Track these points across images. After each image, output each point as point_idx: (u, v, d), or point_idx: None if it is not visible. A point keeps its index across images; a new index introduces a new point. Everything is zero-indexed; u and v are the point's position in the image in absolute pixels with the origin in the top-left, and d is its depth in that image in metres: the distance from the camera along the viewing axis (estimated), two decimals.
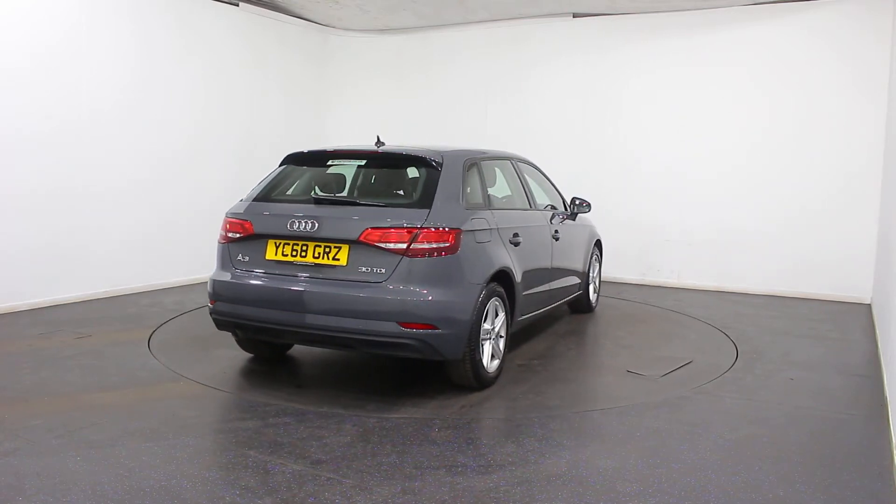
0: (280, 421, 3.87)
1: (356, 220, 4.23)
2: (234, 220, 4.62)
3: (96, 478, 3.12)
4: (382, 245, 4.12)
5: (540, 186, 6.18)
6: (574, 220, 6.38)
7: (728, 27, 8.28)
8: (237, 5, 8.55)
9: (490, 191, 5.13)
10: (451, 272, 4.20)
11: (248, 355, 5.20)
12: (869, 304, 7.67)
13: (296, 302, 4.22)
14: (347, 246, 4.21)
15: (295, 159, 5.00)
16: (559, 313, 6.87)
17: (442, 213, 4.27)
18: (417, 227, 4.13)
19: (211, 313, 4.67)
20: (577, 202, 6.38)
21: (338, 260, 4.23)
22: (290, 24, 9.43)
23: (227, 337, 5.51)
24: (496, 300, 4.56)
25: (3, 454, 3.35)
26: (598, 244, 7.20)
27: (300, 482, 3.12)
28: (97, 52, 6.96)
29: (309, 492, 3.03)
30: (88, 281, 7.05)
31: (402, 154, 4.74)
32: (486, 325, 4.47)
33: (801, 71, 7.96)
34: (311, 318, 4.20)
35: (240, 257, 4.56)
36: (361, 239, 4.15)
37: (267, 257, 4.44)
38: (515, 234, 4.93)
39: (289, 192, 4.82)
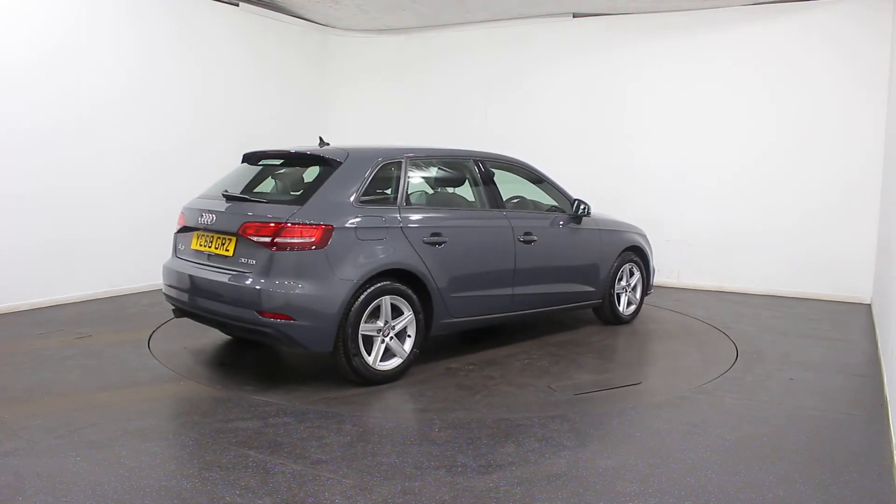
0: (280, 421, 3.87)
1: (239, 215, 4.53)
2: (181, 213, 5.11)
3: (96, 478, 3.12)
4: (255, 238, 4.36)
5: (540, 188, 6.10)
6: (579, 223, 6.04)
7: (728, 27, 8.28)
8: (237, 5, 8.55)
9: (419, 189, 5.26)
10: (315, 267, 4.30)
11: (247, 355, 5.24)
12: (869, 304, 7.67)
13: (199, 287, 4.65)
14: (234, 238, 4.51)
15: (246, 159, 5.33)
16: (578, 320, 6.62)
17: (316, 209, 4.41)
18: (282, 223, 4.31)
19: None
20: (580, 205, 6.07)
21: (228, 251, 4.55)
22: (290, 24, 9.42)
23: (228, 337, 5.54)
24: (395, 298, 4.60)
25: (3, 454, 3.35)
26: (638, 251, 6.60)
27: (300, 482, 3.12)
28: (97, 51, 6.95)
29: (309, 492, 3.03)
30: (88, 281, 7.05)
31: (308, 154, 4.94)
32: (379, 323, 4.53)
33: (802, 71, 7.96)
34: (207, 303, 4.59)
35: (179, 246, 5.06)
36: (240, 232, 4.44)
37: (191, 247, 4.88)
38: (435, 234, 4.85)
39: (218, 189, 5.02)
